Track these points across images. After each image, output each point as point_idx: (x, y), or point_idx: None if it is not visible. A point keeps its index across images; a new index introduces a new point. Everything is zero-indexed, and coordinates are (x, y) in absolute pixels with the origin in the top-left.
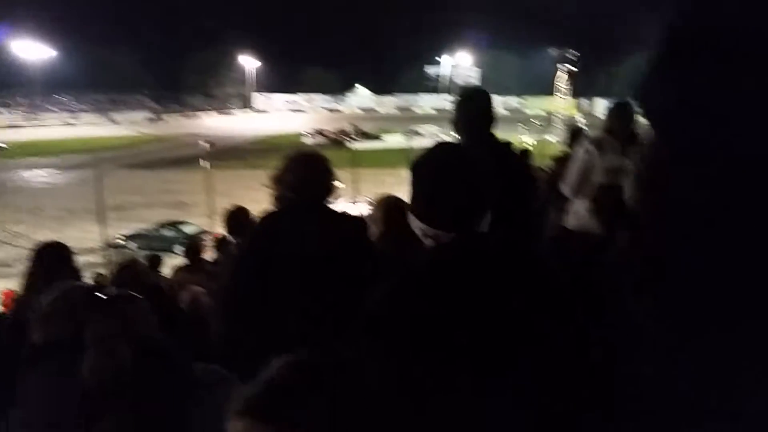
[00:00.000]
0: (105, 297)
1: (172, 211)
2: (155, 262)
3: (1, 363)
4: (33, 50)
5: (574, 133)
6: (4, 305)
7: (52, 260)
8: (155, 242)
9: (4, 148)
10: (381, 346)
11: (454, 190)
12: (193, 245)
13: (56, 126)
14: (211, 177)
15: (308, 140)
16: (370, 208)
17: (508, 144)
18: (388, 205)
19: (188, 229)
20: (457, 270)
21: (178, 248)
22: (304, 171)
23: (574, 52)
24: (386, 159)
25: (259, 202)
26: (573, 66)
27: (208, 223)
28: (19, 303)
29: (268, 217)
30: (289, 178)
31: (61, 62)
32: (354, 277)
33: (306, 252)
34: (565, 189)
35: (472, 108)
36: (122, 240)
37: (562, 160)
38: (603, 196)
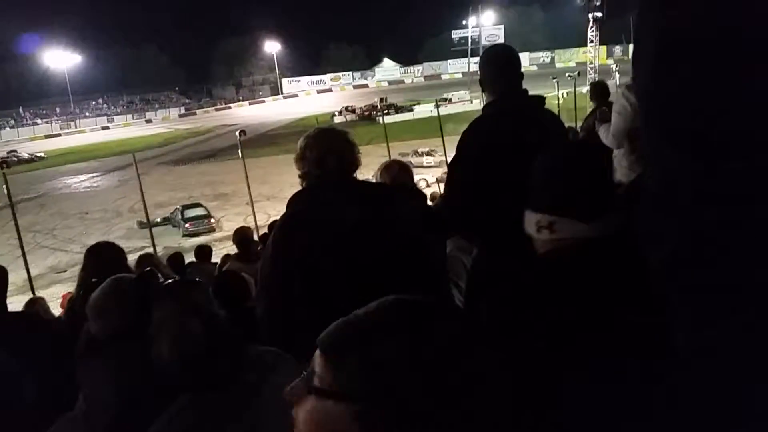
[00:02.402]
0: (170, 282)
1: (213, 203)
2: (206, 251)
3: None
4: (62, 59)
5: (597, 88)
6: (63, 307)
7: (103, 260)
8: (175, 222)
9: (42, 157)
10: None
11: (590, 175)
12: (241, 233)
13: (92, 131)
14: (247, 165)
15: (338, 118)
16: (377, 172)
17: (541, 98)
18: (394, 168)
19: (194, 212)
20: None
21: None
22: (325, 145)
23: None
24: (418, 129)
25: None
26: (600, 12)
27: (248, 210)
28: (73, 303)
29: (299, 196)
30: (311, 154)
31: (91, 68)
32: (395, 246)
33: (341, 226)
34: (608, 140)
35: (496, 64)
36: (159, 221)
37: (593, 114)
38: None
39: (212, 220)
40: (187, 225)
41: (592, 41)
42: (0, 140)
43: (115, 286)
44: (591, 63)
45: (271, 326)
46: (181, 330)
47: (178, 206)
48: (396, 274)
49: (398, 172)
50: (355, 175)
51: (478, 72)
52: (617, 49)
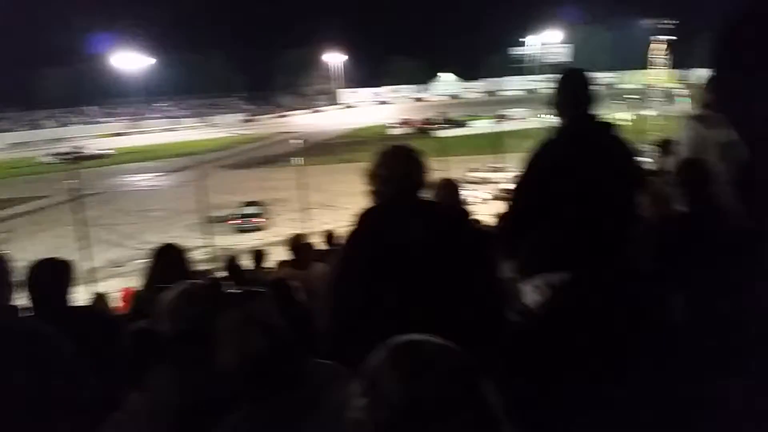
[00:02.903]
0: (234, 291)
1: (269, 208)
2: (261, 255)
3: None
4: (133, 60)
5: (665, 145)
6: (123, 301)
7: (168, 260)
8: (248, 219)
9: (111, 154)
10: None
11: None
12: (296, 240)
13: (158, 131)
14: (303, 173)
15: (394, 131)
16: (499, 193)
17: (609, 124)
18: (441, 186)
19: (247, 210)
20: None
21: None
22: (397, 164)
23: (670, 21)
24: (473, 145)
25: (349, 194)
26: (669, 36)
27: (301, 216)
28: (139, 299)
29: (367, 213)
30: (383, 172)
31: (160, 70)
32: (459, 267)
33: (409, 244)
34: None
35: (570, 87)
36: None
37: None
38: (686, 171)
39: (258, 219)
40: (237, 221)
41: (655, 64)
42: (68, 136)
43: (188, 289)
44: (655, 86)
45: (332, 338)
46: (243, 340)
47: (239, 203)
48: (454, 296)
49: (445, 190)
50: (423, 195)
51: (551, 93)
52: (683, 73)
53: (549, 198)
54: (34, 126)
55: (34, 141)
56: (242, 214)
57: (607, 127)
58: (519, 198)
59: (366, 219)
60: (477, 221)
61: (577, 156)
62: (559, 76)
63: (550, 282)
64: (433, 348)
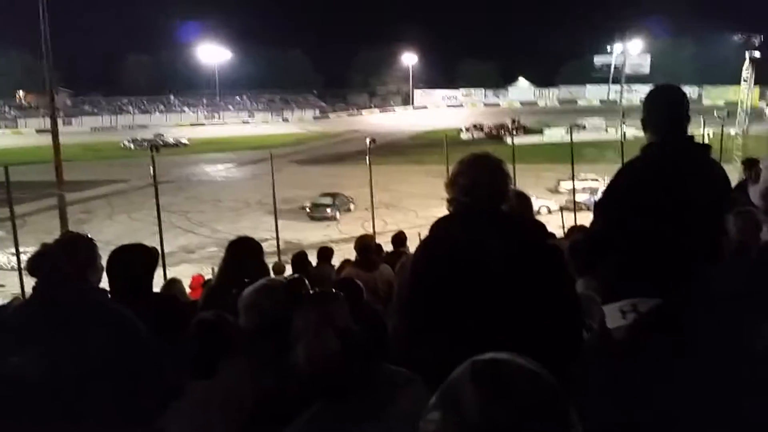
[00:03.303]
0: (311, 292)
1: (345, 201)
2: (327, 253)
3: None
4: (214, 53)
5: (750, 164)
6: (191, 288)
7: (244, 254)
8: (321, 209)
9: (186, 144)
10: None
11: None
12: (363, 242)
13: (234, 124)
14: (372, 172)
15: (466, 135)
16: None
17: (705, 147)
18: (519, 198)
19: (322, 200)
20: None
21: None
22: (479, 174)
23: (760, 36)
24: (547, 154)
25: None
26: (758, 52)
27: (366, 215)
28: (213, 291)
29: (443, 222)
30: (463, 181)
31: (239, 64)
32: (536, 283)
33: (484, 257)
34: (757, 201)
35: (665, 104)
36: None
37: (750, 164)
38: None
39: (329, 211)
40: (308, 209)
41: (746, 80)
42: (150, 123)
43: (269, 285)
44: (742, 103)
45: (402, 346)
46: (316, 341)
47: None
48: (532, 312)
49: (516, 201)
50: (502, 205)
51: (642, 109)
52: None
53: (637, 218)
54: (117, 111)
55: (116, 126)
56: (316, 204)
57: (704, 149)
58: (604, 214)
59: (442, 228)
60: (553, 235)
61: (671, 177)
62: (653, 91)
63: (637, 306)
64: (521, 370)
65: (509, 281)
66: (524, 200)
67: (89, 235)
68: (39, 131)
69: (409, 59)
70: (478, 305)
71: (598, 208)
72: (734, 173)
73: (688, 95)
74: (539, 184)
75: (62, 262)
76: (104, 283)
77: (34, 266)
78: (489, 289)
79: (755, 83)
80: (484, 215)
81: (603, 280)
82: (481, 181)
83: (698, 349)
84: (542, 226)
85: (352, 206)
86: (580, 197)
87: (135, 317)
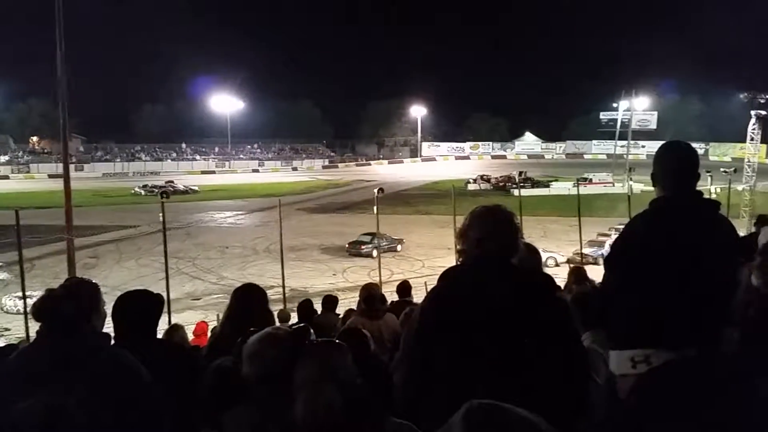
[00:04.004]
0: (313, 341)
1: (339, 253)
2: (332, 300)
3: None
4: (227, 103)
5: (760, 220)
6: (195, 335)
7: (249, 301)
8: (357, 245)
9: (196, 191)
10: None
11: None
12: (368, 290)
13: (244, 172)
14: (380, 221)
15: (473, 186)
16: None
17: (715, 203)
18: (527, 249)
19: (361, 238)
20: None
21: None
22: (489, 227)
23: (766, 95)
24: (554, 205)
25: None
26: (765, 110)
27: (373, 264)
28: (218, 338)
29: (453, 272)
30: (474, 233)
31: (250, 114)
32: (543, 337)
33: (492, 310)
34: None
35: (674, 160)
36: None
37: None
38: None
39: (364, 248)
40: (347, 245)
41: (752, 138)
42: (161, 170)
43: (273, 334)
44: (749, 160)
45: (408, 396)
46: (317, 395)
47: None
48: (536, 365)
49: (525, 254)
50: (512, 258)
51: (653, 164)
52: None
53: (646, 272)
54: (129, 158)
55: (128, 173)
56: (355, 242)
57: (712, 204)
58: (615, 268)
59: (451, 278)
60: (560, 288)
61: (680, 231)
62: (663, 146)
63: (650, 357)
64: (513, 416)
65: (516, 335)
66: (533, 253)
67: (94, 281)
68: (51, 176)
69: (418, 111)
70: (484, 358)
71: (609, 261)
72: (741, 229)
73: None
74: (547, 236)
75: (66, 307)
76: (109, 328)
77: (38, 311)
78: (496, 342)
79: (762, 141)
80: (493, 268)
81: (614, 328)
82: (492, 233)
83: (713, 406)
84: (551, 280)
85: (399, 247)
86: (587, 250)
87: (138, 363)
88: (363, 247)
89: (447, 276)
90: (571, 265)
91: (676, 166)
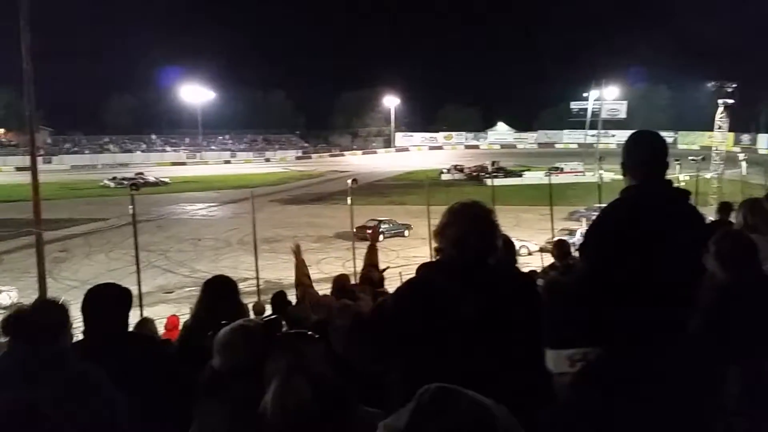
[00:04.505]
0: (285, 333)
1: (315, 245)
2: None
3: (174, 383)
4: (198, 94)
5: (723, 208)
6: (167, 329)
7: (220, 293)
8: (362, 230)
9: (167, 183)
10: None
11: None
12: (339, 281)
13: (216, 163)
14: (354, 211)
15: (446, 176)
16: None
17: (685, 192)
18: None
19: (370, 224)
20: None
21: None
22: (468, 226)
23: (733, 84)
24: (525, 195)
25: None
26: (732, 99)
27: (347, 255)
28: (187, 331)
29: (429, 267)
30: (452, 233)
31: (222, 105)
32: (514, 336)
33: (466, 312)
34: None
35: (642, 149)
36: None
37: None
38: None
39: (369, 231)
40: (354, 231)
41: (720, 127)
42: (131, 162)
43: (245, 326)
44: (716, 148)
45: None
46: (287, 389)
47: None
48: (505, 362)
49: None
50: (490, 257)
51: (622, 154)
52: (745, 138)
53: (618, 261)
54: (99, 150)
55: (97, 165)
56: (361, 227)
57: (682, 193)
58: (588, 258)
59: (425, 274)
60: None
61: (650, 220)
62: (632, 136)
63: (587, 355)
64: (464, 399)
65: (485, 334)
66: (509, 247)
67: (61, 300)
68: (19, 169)
69: (391, 102)
70: (441, 353)
71: (582, 252)
72: (710, 216)
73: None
74: (520, 225)
75: (34, 326)
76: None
77: (6, 327)
78: (469, 341)
79: (730, 129)
80: (469, 270)
81: (556, 329)
82: (470, 234)
83: (656, 396)
84: (529, 282)
85: (407, 232)
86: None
87: (102, 378)
88: (364, 230)
89: (423, 270)
90: (556, 239)
91: (645, 156)
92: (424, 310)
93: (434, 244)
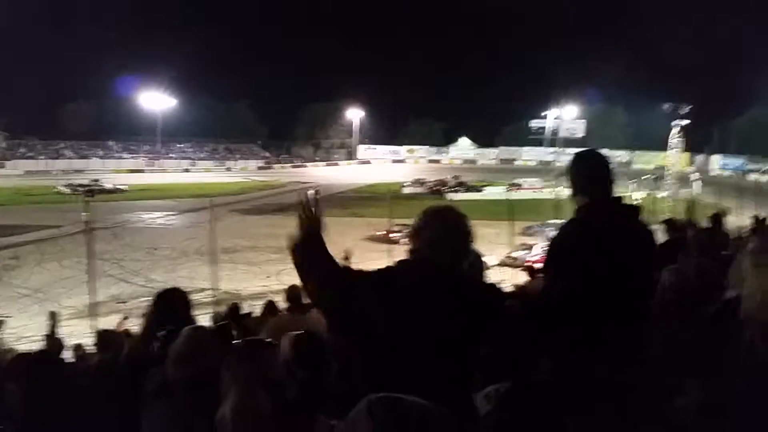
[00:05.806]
0: (242, 341)
1: (275, 255)
2: (273, 308)
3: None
4: (157, 101)
5: (670, 224)
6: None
7: (170, 304)
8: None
9: (124, 190)
10: None
11: None
12: (292, 291)
13: (175, 172)
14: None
15: (408, 189)
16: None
17: (634, 208)
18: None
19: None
20: None
21: None
22: (444, 228)
23: (687, 106)
24: (485, 210)
25: (357, 248)
26: (687, 120)
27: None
28: (136, 342)
29: (403, 265)
30: (429, 234)
31: (182, 113)
32: (471, 345)
33: (430, 315)
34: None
35: (588, 168)
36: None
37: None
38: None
39: (392, 235)
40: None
41: (673, 148)
42: (87, 168)
43: (196, 335)
44: (670, 169)
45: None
46: (245, 399)
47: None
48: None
49: (474, 258)
50: (461, 263)
51: (568, 173)
52: (699, 158)
53: (574, 279)
54: (55, 155)
55: (52, 170)
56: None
57: (632, 209)
58: (551, 278)
59: (400, 271)
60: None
61: (602, 237)
62: (575, 157)
63: (500, 389)
64: (410, 405)
65: (445, 339)
66: (478, 261)
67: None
68: None
69: (355, 114)
70: (401, 354)
71: (549, 271)
72: (663, 235)
73: (620, 159)
74: (480, 239)
75: None
76: None
77: None
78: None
79: (686, 149)
80: (442, 274)
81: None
82: (447, 236)
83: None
84: (497, 294)
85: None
86: (516, 254)
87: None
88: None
89: (399, 266)
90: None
91: (591, 174)
92: (390, 304)
93: (408, 246)
